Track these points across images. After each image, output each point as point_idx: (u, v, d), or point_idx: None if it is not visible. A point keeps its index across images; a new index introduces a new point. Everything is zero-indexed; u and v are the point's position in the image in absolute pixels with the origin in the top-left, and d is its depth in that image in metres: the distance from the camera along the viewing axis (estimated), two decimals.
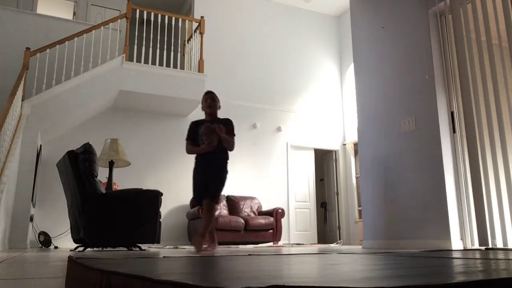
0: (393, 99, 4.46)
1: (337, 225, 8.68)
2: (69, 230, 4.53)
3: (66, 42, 6.38)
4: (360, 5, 5.16)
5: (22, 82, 5.71)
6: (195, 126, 3.79)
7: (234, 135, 3.75)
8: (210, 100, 3.85)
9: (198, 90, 6.89)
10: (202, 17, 7.36)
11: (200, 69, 7.13)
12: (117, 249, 4.59)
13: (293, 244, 7.67)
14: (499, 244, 3.41)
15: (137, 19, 7.45)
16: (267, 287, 0.44)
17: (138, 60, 7.41)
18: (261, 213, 7.30)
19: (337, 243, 7.87)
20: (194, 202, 3.75)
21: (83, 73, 6.39)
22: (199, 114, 7.89)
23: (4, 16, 6.97)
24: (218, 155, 3.70)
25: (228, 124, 3.74)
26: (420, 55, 4.18)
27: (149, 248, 5.25)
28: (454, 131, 3.93)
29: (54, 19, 7.43)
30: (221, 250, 4.25)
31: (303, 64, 8.96)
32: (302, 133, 8.57)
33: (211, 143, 3.58)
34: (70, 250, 4.45)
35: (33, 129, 5.82)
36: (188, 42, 7.84)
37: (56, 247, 5.93)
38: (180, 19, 7.32)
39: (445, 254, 1.59)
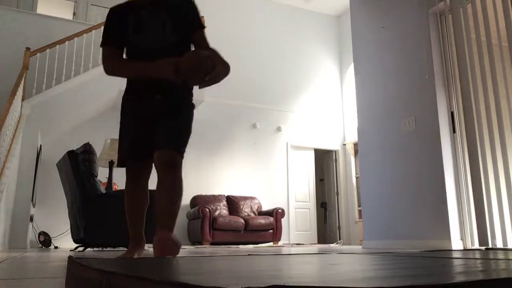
0: (393, 99, 4.46)
1: (337, 225, 8.68)
2: (69, 230, 4.53)
3: (66, 42, 6.38)
4: (360, 5, 5.16)
5: (22, 82, 5.71)
6: (120, 16, 1.96)
7: (201, 27, 2.00)
8: None
9: (198, 90, 6.88)
10: (202, 17, 7.35)
11: None
12: (117, 249, 4.59)
13: (293, 244, 7.67)
14: (499, 244, 3.41)
15: None
16: (267, 287, 0.44)
17: None
18: (261, 213, 7.30)
19: (337, 243, 7.87)
20: (125, 156, 1.97)
21: (83, 73, 6.39)
22: (200, 114, 7.91)
23: (4, 16, 6.97)
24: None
25: (186, 11, 1.99)
26: (420, 55, 4.18)
27: (149, 248, 5.25)
28: (454, 131, 3.93)
29: (54, 19, 7.43)
30: (221, 250, 4.25)
31: (303, 64, 8.96)
32: (302, 133, 8.57)
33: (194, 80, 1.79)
34: (70, 250, 4.45)
35: (33, 129, 5.82)
36: None
37: (56, 247, 5.93)
38: None
39: (445, 254, 1.59)
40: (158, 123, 1.94)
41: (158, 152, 1.89)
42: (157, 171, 1.89)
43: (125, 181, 2.00)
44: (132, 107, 2.01)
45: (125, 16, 1.97)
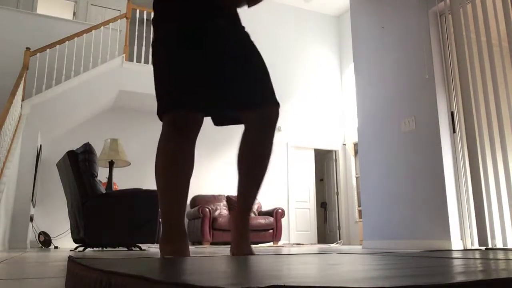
0: (393, 99, 4.46)
1: (337, 225, 8.68)
2: (69, 230, 4.54)
3: (66, 42, 6.39)
4: (360, 5, 5.16)
5: (22, 82, 5.71)
6: None
7: None
8: None
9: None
10: None
11: None
12: (117, 249, 4.59)
13: (293, 244, 7.67)
14: (499, 244, 3.41)
15: (137, 19, 7.46)
16: (267, 287, 0.44)
17: (138, 60, 7.41)
18: (261, 213, 7.30)
19: (337, 243, 7.87)
20: (178, 100, 1.44)
21: (83, 73, 6.39)
22: None
23: (4, 16, 6.97)
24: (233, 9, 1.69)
25: None
26: (420, 55, 4.18)
27: (149, 248, 5.26)
28: (454, 131, 3.93)
29: (54, 19, 7.43)
30: (221, 250, 4.25)
31: (303, 64, 8.96)
32: (302, 133, 8.57)
33: None
34: (70, 250, 4.45)
35: (33, 129, 5.82)
36: None
37: (56, 247, 5.93)
38: None
39: (445, 254, 1.59)
40: (238, 66, 1.52)
41: (261, 111, 1.54)
42: (254, 129, 1.57)
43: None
44: (190, 37, 1.48)
45: None
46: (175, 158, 1.41)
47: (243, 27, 1.68)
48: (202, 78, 1.46)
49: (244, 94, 1.53)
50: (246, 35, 1.66)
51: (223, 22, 1.55)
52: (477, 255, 1.43)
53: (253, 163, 1.60)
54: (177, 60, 1.45)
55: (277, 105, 1.58)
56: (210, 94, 1.49)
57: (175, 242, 1.42)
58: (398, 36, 4.49)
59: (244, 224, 1.56)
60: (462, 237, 3.74)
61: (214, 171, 7.65)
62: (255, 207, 7.39)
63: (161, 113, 1.43)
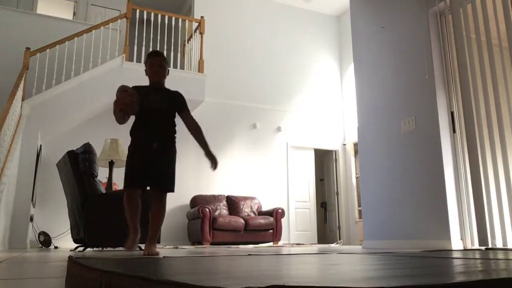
0: (393, 99, 4.46)
1: (337, 225, 8.68)
2: (69, 230, 4.53)
3: (66, 42, 6.38)
4: (360, 5, 5.16)
5: (22, 82, 5.71)
6: (137, 91, 3.05)
7: (188, 111, 3.01)
8: (158, 67, 2.99)
9: (198, 90, 6.91)
10: (202, 17, 7.36)
11: (200, 69, 7.13)
12: (117, 249, 4.59)
13: (293, 244, 7.67)
14: (499, 244, 3.41)
15: (137, 19, 7.46)
16: (267, 287, 0.44)
17: (138, 60, 7.40)
18: (261, 213, 7.30)
19: (337, 243, 7.87)
20: (128, 184, 2.85)
21: (83, 73, 6.38)
22: (200, 114, 7.91)
23: (4, 16, 6.97)
24: (166, 128, 2.96)
25: (177, 99, 3.00)
26: (420, 55, 4.18)
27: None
28: (454, 131, 3.93)
29: (54, 19, 7.43)
30: (221, 250, 4.25)
31: (303, 64, 8.96)
32: (302, 133, 8.57)
33: (127, 106, 2.92)
34: (70, 250, 4.45)
35: (33, 129, 5.81)
36: (188, 42, 7.84)
37: (56, 247, 5.93)
38: (180, 19, 7.32)
39: (445, 254, 1.59)
40: (154, 168, 2.83)
41: (154, 192, 2.89)
42: (153, 200, 2.90)
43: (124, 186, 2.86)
44: (135, 151, 2.89)
45: (140, 92, 2.99)
46: (128, 207, 2.85)
47: (172, 146, 2.98)
48: (135, 174, 2.84)
49: (152, 180, 2.85)
50: (168, 144, 2.94)
51: (156, 145, 2.86)
52: (477, 255, 1.42)
53: (151, 218, 2.94)
54: (126, 162, 2.91)
55: (162, 189, 2.91)
56: (140, 180, 2.84)
57: (132, 238, 2.89)
58: (398, 36, 4.49)
59: (152, 243, 2.90)
60: (462, 237, 3.74)
61: (214, 171, 7.64)
62: (255, 207, 7.40)
63: (124, 186, 2.85)
